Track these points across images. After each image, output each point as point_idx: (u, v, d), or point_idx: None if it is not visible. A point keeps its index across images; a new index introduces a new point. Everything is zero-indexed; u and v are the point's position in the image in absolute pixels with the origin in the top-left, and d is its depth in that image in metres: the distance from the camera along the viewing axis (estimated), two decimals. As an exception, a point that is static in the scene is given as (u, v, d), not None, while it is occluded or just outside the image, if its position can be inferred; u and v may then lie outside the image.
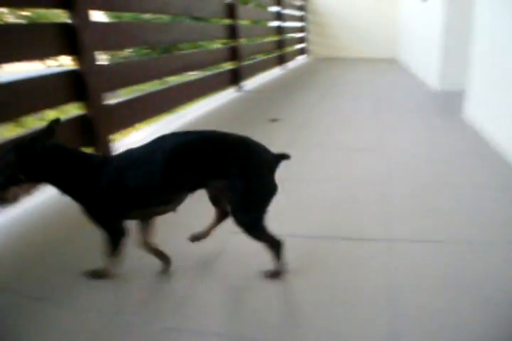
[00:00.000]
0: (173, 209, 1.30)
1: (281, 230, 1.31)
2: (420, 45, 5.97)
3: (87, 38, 2.22)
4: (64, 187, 1.24)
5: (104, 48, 2.61)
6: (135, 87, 3.04)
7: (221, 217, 1.43)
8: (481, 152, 2.49)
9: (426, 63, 5.36)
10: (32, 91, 2.04)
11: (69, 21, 2.18)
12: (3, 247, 1.62)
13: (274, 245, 1.27)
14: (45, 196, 1.89)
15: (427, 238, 1.55)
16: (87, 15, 2.25)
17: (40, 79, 2.11)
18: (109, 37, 2.54)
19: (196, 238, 1.48)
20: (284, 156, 1.27)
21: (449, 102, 3.86)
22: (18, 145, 1.19)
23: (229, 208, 1.25)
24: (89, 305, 1.25)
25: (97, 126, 2.32)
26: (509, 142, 2.38)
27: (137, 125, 2.97)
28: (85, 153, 1.31)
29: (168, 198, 1.26)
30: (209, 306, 1.24)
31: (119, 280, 1.37)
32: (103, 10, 3.26)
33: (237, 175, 1.18)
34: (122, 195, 1.22)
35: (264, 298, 1.26)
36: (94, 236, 1.31)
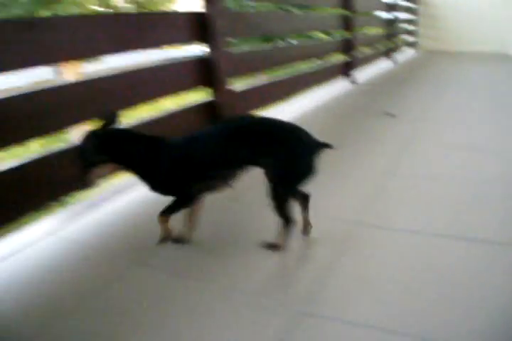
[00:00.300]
0: (230, 185, 1.48)
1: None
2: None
3: (219, 26, 2.28)
4: (136, 166, 1.43)
5: (233, 36, 2.67)
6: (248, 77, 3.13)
7: (302, 202, 1.52)
8: None
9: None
10: (168, 74, 2.14)
11: (203, 10, 2.27)
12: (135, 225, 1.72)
13: (289, 223, 1.40)
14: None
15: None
16: (220, 4, 2.32)
17: (174, 64, 2.22)
18: (238, 25, 2.60)
19: (306, 232, 1.56)
20: (326, 145, 1.39)
21: None
22: (92, 132, 1.38)
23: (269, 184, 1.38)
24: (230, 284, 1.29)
25: (222, 110, 2.39)
26: None
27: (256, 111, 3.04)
28: (149, 135, 1.48)
29: (227, 173, 1.45)
30: (350, 293, 1.23)
31: (255, 259, 1.39)
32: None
33: (280, 154, 1.36)
34: (189, 168, 1.42)
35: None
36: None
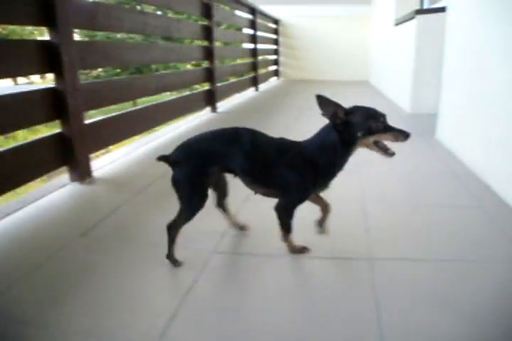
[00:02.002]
0: None
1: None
2: (392, 68, 6.19)
3: (68, 57, 2.22)
4: None
5: (84, 67, 2.60)
6: (111, 108, 3.05)
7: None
8: (454, 172, 2.59)
9: (398, 86, 5.55)
10: (13, 107, 2.02)
11: (50, 39, 2.18)
12: None
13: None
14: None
15: (405, 256, 1.59)
16: (69, 34, 2.26)
17: (20, 96, 2.10)
18: (88, 56, 2.55)
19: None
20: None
21: (422, 124, 3.97)
22: None
23: None
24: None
25: (75, 144, 2.31)
26: (481, 162, 2.50)
27: (114, 145, 2.96)
28: None
29: None
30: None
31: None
32: (85, 28, 3.27)
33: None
34: None
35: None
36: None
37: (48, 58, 2.17)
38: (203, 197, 1.48)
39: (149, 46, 3.82)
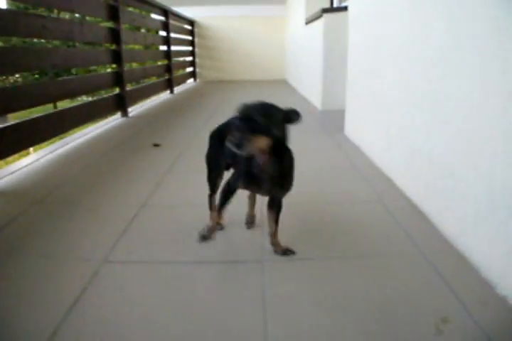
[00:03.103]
0: None
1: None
2: (305, 67, 6.40)
3: None
4: None
5: None
6: (21, 114, 2.93)
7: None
8: (358, 167, 2.73)
9: (310, 83, 5.74)
10: None
11: None
12: None
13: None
14: None
15: (299, 256, 1.61)
16: None
17: None
18: None
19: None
20: None
21: (333, 121, 4.13)
22: None
23: None
24: None
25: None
26: (382, 156, 2.65)
27: (23, 151, 2.87)
28: None
29: None
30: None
31: None
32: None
33: None
34: None
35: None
36: None
37: None
38: (218, 174, 1.72)
39: (50, 51, 3.70)
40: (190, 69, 9.58)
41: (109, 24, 4.73)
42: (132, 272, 1.54)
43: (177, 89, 7.56)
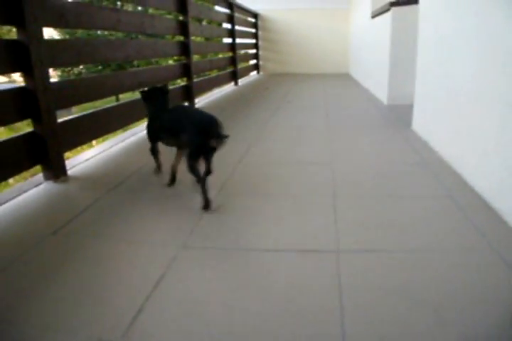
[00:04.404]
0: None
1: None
2: (370, 60, 6.25)
3: (37, 55, 2.21)
4: None
5: (55, 65, 2.59)
6: (88, 105, 3.03)
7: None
8: (427, 162, 2.64)
9: (376, 78, 5.61)
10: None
11: (18, 38, 2.17)
12: None
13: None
14: None
15: (373, 248, 1.61)
16: (38, 32, 2.25)
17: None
18: (59, 54, 2.54)
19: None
20: None
21: (399, 116, 4.05)
22: None
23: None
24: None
25: (48, 143, 2.31)
26: (452, 152, 2.55)
27: (90, 142, 2.96)
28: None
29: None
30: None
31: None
32: (54, 27, 3.24)
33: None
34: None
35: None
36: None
37: (16, 57, 2.16)
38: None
39: (123, 43, 3.80)
40: (253, 61, 9.60)
41: (178, 16, 4.81)
42: (210, 257, 1.57)
43: (241, 81, 7.59)
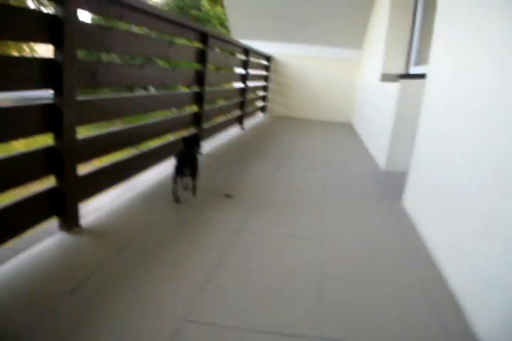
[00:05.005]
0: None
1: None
2: (373, 119, 6.47)
3: (69, 74, 2.35)
4: None
5: (84, 85, 2.66)
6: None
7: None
8: (410, 248, 2.71)
9: (376, 140, 5.79)
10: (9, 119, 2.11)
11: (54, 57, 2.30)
12: None
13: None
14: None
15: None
16: (73, 53, 2.39)
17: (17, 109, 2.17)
18: (88, 74, 2.67)
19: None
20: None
21: (394, 185, 4.08)
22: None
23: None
24: None
25: (67, 196, 2.49)
26: (438, 243, 2.56)
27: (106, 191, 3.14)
28: None
29: None
30: None
31: None
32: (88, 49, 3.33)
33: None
34: None
35: None
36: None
37: (50, 75, 2.30)
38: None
39: (147, 68, 4.00)
40: (261, 103, 9.86)
41: (197, 66, 5.07)
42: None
43: (247, 123, 7.83)
